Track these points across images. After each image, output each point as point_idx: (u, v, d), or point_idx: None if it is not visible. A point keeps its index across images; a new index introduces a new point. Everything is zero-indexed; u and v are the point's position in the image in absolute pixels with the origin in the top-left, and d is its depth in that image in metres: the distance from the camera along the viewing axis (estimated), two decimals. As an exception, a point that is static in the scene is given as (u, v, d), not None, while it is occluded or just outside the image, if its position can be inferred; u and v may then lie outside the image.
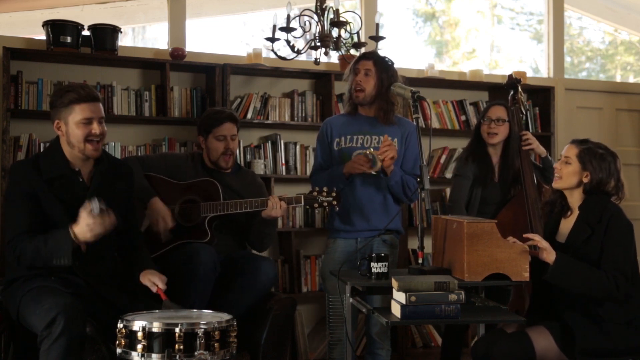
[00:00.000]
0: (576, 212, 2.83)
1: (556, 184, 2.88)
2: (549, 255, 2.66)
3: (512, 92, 3.75)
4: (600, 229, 2.71)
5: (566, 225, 2.87)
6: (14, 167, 2.82)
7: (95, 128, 2.73)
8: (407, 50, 5.74)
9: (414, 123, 2.96)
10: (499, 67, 6.09)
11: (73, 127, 2.71)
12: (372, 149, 3.21)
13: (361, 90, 3.33)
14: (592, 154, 2.80)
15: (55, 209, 2.68)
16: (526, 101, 5.14)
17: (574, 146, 2.85)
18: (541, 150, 3.64)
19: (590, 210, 2.77)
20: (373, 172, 3.20)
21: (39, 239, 2.60)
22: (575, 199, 2.85)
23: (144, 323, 2.32)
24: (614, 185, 2.79)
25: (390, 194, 3.34)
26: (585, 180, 2.79)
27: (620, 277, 2.64)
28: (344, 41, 3.83)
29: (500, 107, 3.62)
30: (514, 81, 3.78)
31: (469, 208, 3.55)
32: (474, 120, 4.86)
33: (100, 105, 2.78)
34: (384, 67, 3.34)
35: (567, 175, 2.83)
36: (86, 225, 2.56)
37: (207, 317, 2.48)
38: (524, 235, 2.71)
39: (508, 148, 3.61)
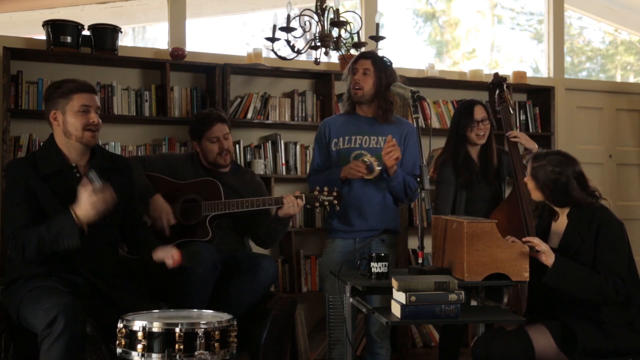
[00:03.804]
0: (564, 219, 2.83)
1: (531, 195, 2.91)
2: (548, 257, 2.66)
3: (497, 91, 3.75)
4: (590, 237, 2.71)
5: (556, 229, 2.87)
6: (11, 164, 2.82)
7: (93, 117, 2.75)
8: (407, 50, 5.75)
9: (414, 123, 2.96)
10: (499, 67, 6.09)
11: (71, 116, 2.73)
12: (370, 155, 3.22)
13: (359, 89, 3.33)
14: (542, 173, 2.77)
15: (53, 204, 2.68)
16: (524, 101, 5.16)
17: (531, 162, 2.84)
18: (532, 145, 3.60)
19: (578, 219, 2.77)
20: (371, 179, 3.21)
21: (41, 226, 2.60)
22: (556, 206, 2.86)
23: (144, 323, 2.32)
24: (578, 198, 2.75)
25: (391, 194, 3.34)
26: (544, 197, 2.81)
27: (618, 281, 2.64)
28: (344, 41, 3.84)
29: (480, 106, 3.59)
30: (499, 79, 3.79)
31: (456, 211, 3.54)
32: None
33: (97, 97, 2.81)
34: (382, 66, 3.34)
35: (530, 190, 2.86)
36: (89, 203, 2.57)
37: (207, 317, 2.48)
38: (524, 239, 2.70)
39: (487, 143, 3.60)
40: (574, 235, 2.75)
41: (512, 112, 3.75)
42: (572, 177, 2.75)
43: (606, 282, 2.63)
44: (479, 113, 3.55)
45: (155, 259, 2.82)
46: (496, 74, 3.83)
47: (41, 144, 3.93)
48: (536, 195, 2.85)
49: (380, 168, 3.20)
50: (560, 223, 2.85)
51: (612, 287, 2.62)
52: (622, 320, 2.68)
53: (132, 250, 3.01)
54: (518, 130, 5.04)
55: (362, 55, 3.41)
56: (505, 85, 3.76)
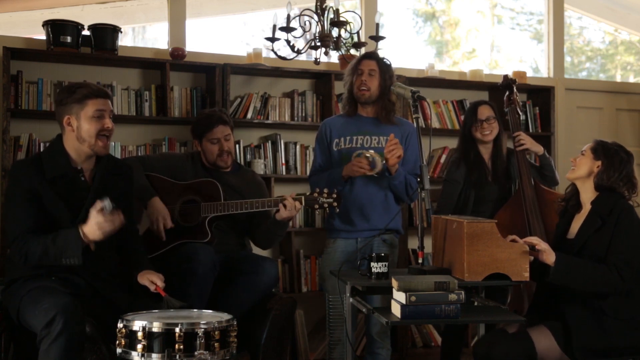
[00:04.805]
0: (588, 208, 2.84)
1: (569, 175, 2.92)
2: (549, 256, 2.66)
3: (507, 93, 3.79)
4: (611, 221, 2.73)
5: (578, 222, 2.88)
6: (15, 166, 2.82)
7: (107, 122, 2.77)
8: (407, 50, 5.74)
9: (414, 123, 2.96)
10: (499, 67, 6.09)
11: (85, 122, 2.74)
12: (372, 151, 3.22)
13: (367, 90, 3.33)
14: (606, 148, 2.85)
15: (57, 207, 2.68)
16: (524, 101, 5.16)
17: (592, 142, 2.91)
18: (537, 148, 3.65)
19: (602, 204, 2.79)
20: (374, 174, 3.21)
21: (47, 238, 2.61)
22: (587, 193, 2.86)
23: (144, 323, 2.32)
24: (623, 183, 2.80)
25: (393, 193, 3.34)
26: (595, 170, 2.82)
27: (625, 267, 2.64)
28: (344, 41, 3.84)
29: (486, 106, 3.65)
30: (509, 81, 3.82)
31: (463, 210, 3.56)
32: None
33: (110, 102, 2.83)
34: (385, 67, 3.37)
35: (580, 165, 2.87)
36: (96, 223, 2.59)
37: (207, 317, 2.48)
38: (524, 240, 2.70)
39: (497, 144, 3.64)
40: (595, 218, 2.77)
41: (520, 113, 3.80)
42: (632, 166, 2.84)
43: (609, 270, 2.63)
44: (483, 112, 3.60)
45: (139, 281, 2.83)
46: (506, 76, 3.87)
47: (41, 144, 3.93)
48: (583, 170, 2.85)
49: (383, 163, 3.19)
50: (582, 215, 2.86)
51: (616, 274, 2.62)
52: (625, 312, 2.68)
53: (120, 256, 3.00)
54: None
55: (367, 56, 3.41)
56: (514, 88, 3.80)
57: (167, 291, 2.77)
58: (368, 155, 3.19)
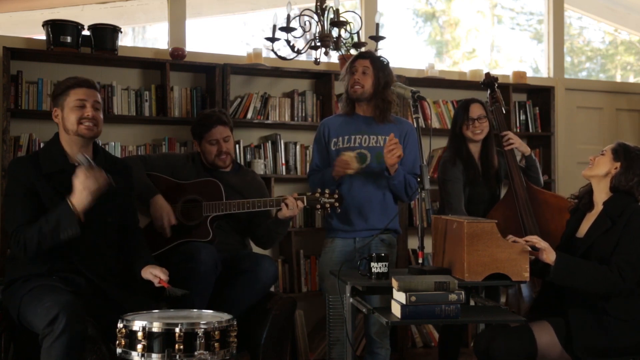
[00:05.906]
0: (599, 208, 2.83)
1: (586, 172, 2.90)
2: (549, 255, 2.66)
3: (489, 92, 3.75)
4: (621, 222, 2.72)
5: (588, 221, 2.87)
6: (13, 162, 2.83)
7: (89, 111, 2.77)
8: (407, 50, 5.75)
9: (414, 123, 2.97)
10: (499, 67, 6.09)
11: (68, 111, 2.76)
12: (349, 152, 3.22)
13: (360, 87, 3.33)
14: (627, 151, 2.82)
15: (54, 203, 2.67)
16: (524, 101, 5.16)
17: (613, 144, 2.89)
18: (525, 148, 3.63)
19: (614, 205, 2.78)
20: (356, 171, 3.21)
21: (39, 220, 2.61)
22: (601, 193, 2.85)
23: (144, 323, 2.32)
24: None
25: (392, 192, 3.34)
26: (613, 171, 2.80)
27: (627, 268, 2.63)
28: (344, 41, 3.84)
29: (477, 104, 3.60)
30: (491, 79, 3.78)
31: None
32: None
33: (96, 92, 2.83)
34: (380, 65, 3.36)
35: (598, 164, 2.85)
36: (80, 184, 2.58)
37: (207, 317, 2.48)
38: (523, 239, 2.70)
39: (487, 145, 3.61)
40: (605, 219, 2.76)
41: (504, 112, 3.75)
42: None
43: (610, 270, 2.63)
44: (475, 111, 3.57)
45: (142, 276, 2.83)
46: (487, 74, 3.83)
47: (41, 144, 3.93)
48: (601, 169, 2.83)
49: (358, 158, 3.20)
50: (595, 213, 2.86)
51: (617, 274, 2.62)
52: (627, 313, 2.68)
53: (123, 255, 3.00)
54: (517, 130, 5.05)
55: (361, 55, 3.42)
56: (496, 86, 3.76)
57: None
58: (348, 156, 3.20)
